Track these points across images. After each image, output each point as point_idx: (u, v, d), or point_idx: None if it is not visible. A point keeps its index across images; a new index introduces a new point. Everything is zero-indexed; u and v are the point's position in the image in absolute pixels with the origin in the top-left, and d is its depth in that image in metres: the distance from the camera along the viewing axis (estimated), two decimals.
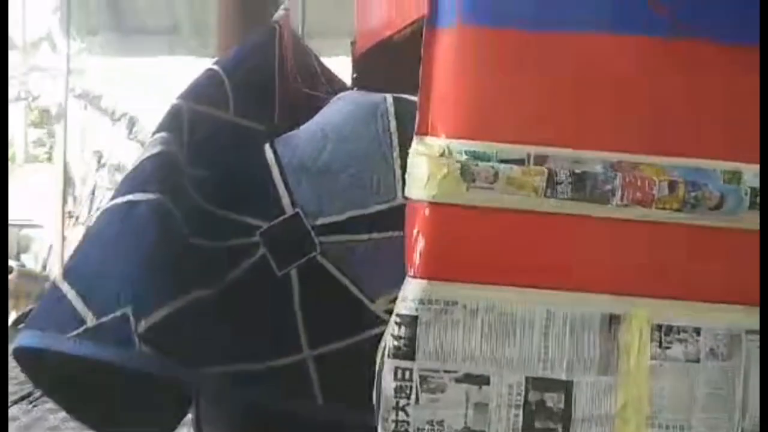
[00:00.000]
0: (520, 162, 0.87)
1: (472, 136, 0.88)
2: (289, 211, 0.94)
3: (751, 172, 0.87)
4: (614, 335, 0.83)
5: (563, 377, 0.83)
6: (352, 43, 1.34)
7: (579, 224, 0.84)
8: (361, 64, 1.32)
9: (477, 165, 0.83)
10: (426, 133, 0.92)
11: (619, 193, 0.83)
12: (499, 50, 0.89)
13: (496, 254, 0.84)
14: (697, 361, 0.82)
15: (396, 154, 0.95)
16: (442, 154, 0.87)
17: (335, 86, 1.26)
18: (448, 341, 0.83)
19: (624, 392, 0.82)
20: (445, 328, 0.82)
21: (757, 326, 0.81)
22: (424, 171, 0.84)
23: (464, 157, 0.87)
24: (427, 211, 0.84)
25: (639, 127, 0.88)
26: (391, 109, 0.98)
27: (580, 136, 0.88)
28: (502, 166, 0.83)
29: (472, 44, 0.90)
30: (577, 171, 0.84)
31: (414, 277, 0.84)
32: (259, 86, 1.04)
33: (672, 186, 0.83)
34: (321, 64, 1.31)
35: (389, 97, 0.99)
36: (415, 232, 0.85)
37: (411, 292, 0.83)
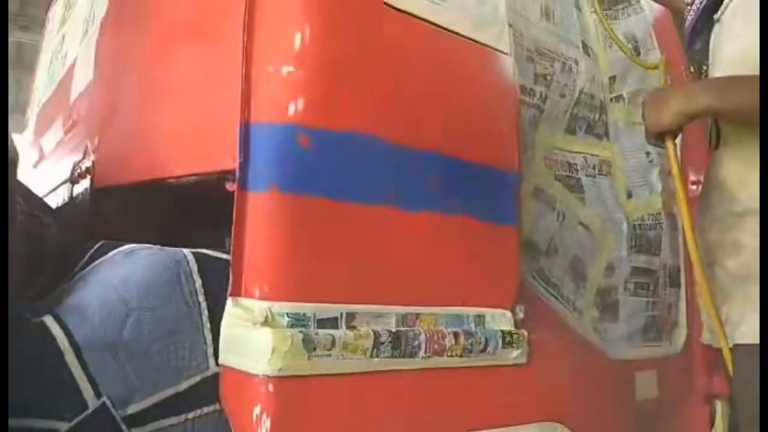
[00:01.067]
0: (334, 321, 0.92)
1: (291, 298, 0.90)
2: (94, 403, 0.75)
3: (490, 315, 1.12)
4: None
5: None
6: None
7: (395, 379, 0.93)
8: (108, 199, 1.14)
9: (317, 334, 0.85)
10: (240, 295, 0.90)
11: (423, 347, 0.96)
12: (310, 216, 0.94)
13: (337, 422, 0.85)
14: None
15: (206, 317, 0.88)
16: (266, 320, 0.86)
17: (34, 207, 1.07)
18: None
19: None
20: None
21: None
22: (267, 343, 0.81)
23: (286, 319, 0.87)
24: (271, 387, 0.80)
25: (418, 285, 1.04)
26: (194, 267, 0.90)
27: (378, 294, 0.99)
28: (337, 332, 0.87)
29: (285, 209, 0.92)
30: (393, 330, 0.93)
31: None
32: (25, 243, 0.82)
33: (456, 336, 1.01)
34: None
35: (188, 253, 0.91)
36: (256, 410, 0.80)
37: None
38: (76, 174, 1.24)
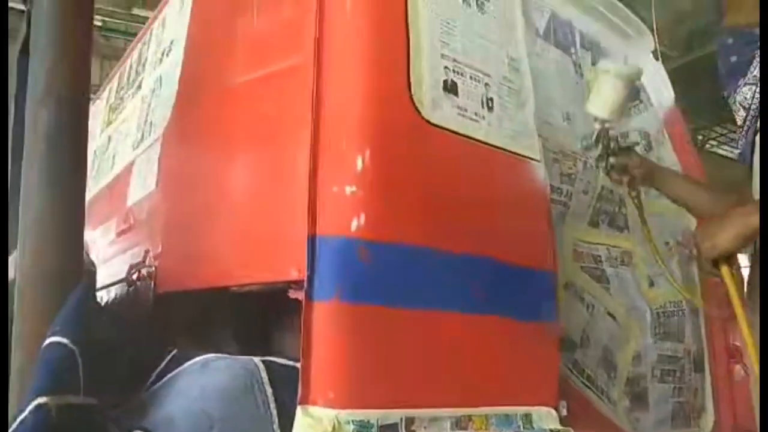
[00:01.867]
0: (395, 427, 0.97)
1: (355, 405, 0.95)
2: None
3: (536, 414, 1.16)
4: None
5: None
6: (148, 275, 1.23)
7: None
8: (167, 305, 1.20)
9: None
10: (308, 403, 0.95)
11: None
12: (369, 323, 1.00)
13: None
14: None
15: (276, 425, 0.92)
16: (333, 428, 0.91)
17: None
18: None
19: None
20: None
21: None
22: None
23: (352, 427, 0.92)
24: None
25: (469, 386, 1.09)
26: (265, 376, 0.95)
27: (432, 397, 1.04)
28: None
29: (346, 318, 0.99)
30: None
31: None
32: (101, 352, 0.88)
33: None
34: None
35: (259, 362, 0.97)
36: None
37: None
38: (133, 276, 1.31)
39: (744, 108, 1.13)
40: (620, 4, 1.89)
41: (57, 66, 1.02)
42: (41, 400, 0.78)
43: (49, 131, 0.99)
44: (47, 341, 0.84)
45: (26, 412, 0.77)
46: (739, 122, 1.16)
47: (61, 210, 0.99)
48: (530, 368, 1.17)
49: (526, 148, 1.29)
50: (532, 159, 1.30)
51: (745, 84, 1.12)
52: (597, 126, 1.34)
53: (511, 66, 1.33)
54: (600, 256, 1.63)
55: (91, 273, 0.98)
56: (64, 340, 0.83)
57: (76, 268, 0.98)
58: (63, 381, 0.81)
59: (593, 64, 1.77)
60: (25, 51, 1.15)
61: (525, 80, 1.35)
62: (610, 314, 1.58)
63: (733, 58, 1.13)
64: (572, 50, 1.70)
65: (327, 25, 1.11)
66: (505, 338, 1.14)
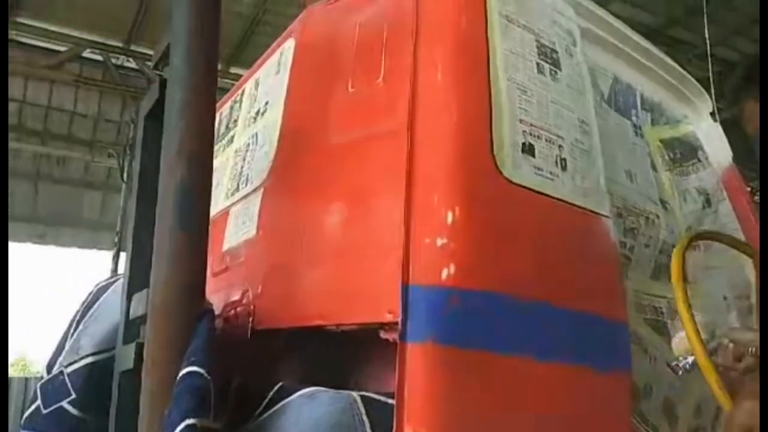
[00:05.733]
0: None
1: None
2: None
3: None
4: None
5: None
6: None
7: None
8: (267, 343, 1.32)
9: None
10: None
11: None
12: (460, 365, 1.09)
13: None
14: None
15: None
16: None
17: None
18: None
19: None
20: None
21: None
22: None
23: None
24: None
25: (550, 430, 1.17)
26: (363, 409, 1.05)
27: None
28: None
29: (440, 360, 1.08)
30: None
31: None
32: (222, 382, 1.00)
33: None
34: None
35: (357, 396, 1.07)
36: None
37: None
38: (230, 313, 1.43)
39: None
40: (678, 67, 1.99)
41: (189, 127, 1.17)
42: (190, 421, 0.89)
43: (181, 186, 1.14)
44: (186, 370, 0.96)
45: (178, 430, 0.88)
46: None
47: (189, 252, 1.13)
48: (605, 415, 1.23)
49: (597, 204, 1.39)
50: (603, 215, 1.39)
51: None
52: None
53: (581, 129, 1.44)
54: (661, 308, 1.69)
55: (212, 310, 1.11)
56: (201, 371, 0.95)
57: (200, 304, 1.10)
58: (204, 406, 0.93)
59: (653, 124, 1.88)
60: (153, 115, 1.31)
61: (594, 141, 1.46)
62: (670, 366, 1.63)
63: None
64: (632, 112, 1.81)
65: (420, 93, 1.25)
66: (585, 386, 1.21)
